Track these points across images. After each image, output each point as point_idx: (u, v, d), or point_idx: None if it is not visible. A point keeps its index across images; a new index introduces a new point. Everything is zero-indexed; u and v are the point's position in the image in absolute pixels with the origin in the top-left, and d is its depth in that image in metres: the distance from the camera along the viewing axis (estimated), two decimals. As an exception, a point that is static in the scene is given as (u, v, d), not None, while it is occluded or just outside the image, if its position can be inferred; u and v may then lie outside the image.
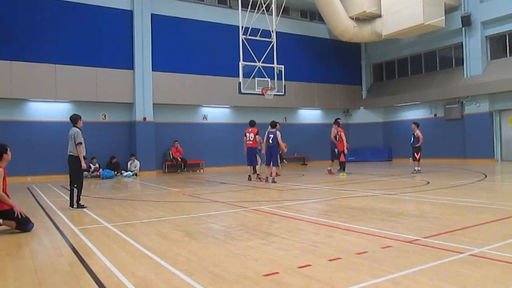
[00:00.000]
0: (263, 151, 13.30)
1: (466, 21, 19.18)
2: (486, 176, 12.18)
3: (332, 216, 6.46)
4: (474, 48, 19.37)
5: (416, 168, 14.42)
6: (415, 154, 14.60)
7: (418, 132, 14.63)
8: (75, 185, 7.93)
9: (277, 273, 3.59)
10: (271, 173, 12.46)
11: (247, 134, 13.35)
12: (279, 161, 13.03)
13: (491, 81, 18.41)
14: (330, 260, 3.93)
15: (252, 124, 13.58)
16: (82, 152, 7.83)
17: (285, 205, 7.92)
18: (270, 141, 12.54)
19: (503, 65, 18.63)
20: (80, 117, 8.30)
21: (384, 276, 3.41)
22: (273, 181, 12.36)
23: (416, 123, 14.98)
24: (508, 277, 3.38)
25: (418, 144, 14.62)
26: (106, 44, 17.54)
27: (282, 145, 12.55)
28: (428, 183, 10.86)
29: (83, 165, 7.85)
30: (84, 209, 7.83)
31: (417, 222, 5.69)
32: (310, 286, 3.26)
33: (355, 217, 6.28)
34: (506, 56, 18.91)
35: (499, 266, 3.62)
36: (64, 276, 3.79)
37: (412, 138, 14.74)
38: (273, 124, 12.86)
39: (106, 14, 17.62)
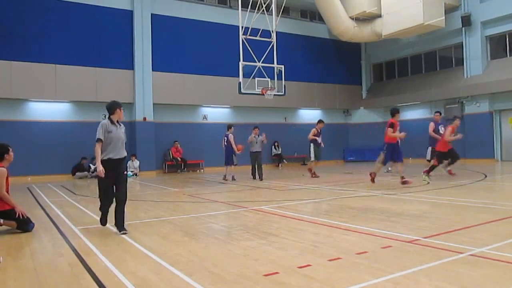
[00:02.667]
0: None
1: (466, 21, 19.17)
2: (486, 176, 12.16)
3: (332, 216, 6.45)
4: (474, 48, 19.36)
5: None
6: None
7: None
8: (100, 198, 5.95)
9: (277, 273, 3.59)
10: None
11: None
12: (234, 161, 13.93)
13: (491, 81, 18.40)
14: (330, 260, 3.93)
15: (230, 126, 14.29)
16: (97, 152, 5.59)
17: (285, 205, 7.92)
18: (225, 143, 13.82)
19: (503, 65, 18.62)
20: (116, 106, 5.80)
21: (384, 276, 3.41)
22: (232, 179, 13.72)
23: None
24: (508, 277, 3.38)
25: None
26: (106, 44, 17.54)
27: (235, 147, 13.63)
28: (428, 183, 10.85)
29: (98, 168, 5.55)
30: (84, 209, 7.81)
31: (417, 222, 5.69)
32: (310, 286, 3.26)
33: (355, 217, 6.28)
34: (506, 56, 18.90)
35: (499, 266, 3.62)
36: (64, 276, 3.79)
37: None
38: (229, 126, 14.16)
39: (106, 14, 17.62)
